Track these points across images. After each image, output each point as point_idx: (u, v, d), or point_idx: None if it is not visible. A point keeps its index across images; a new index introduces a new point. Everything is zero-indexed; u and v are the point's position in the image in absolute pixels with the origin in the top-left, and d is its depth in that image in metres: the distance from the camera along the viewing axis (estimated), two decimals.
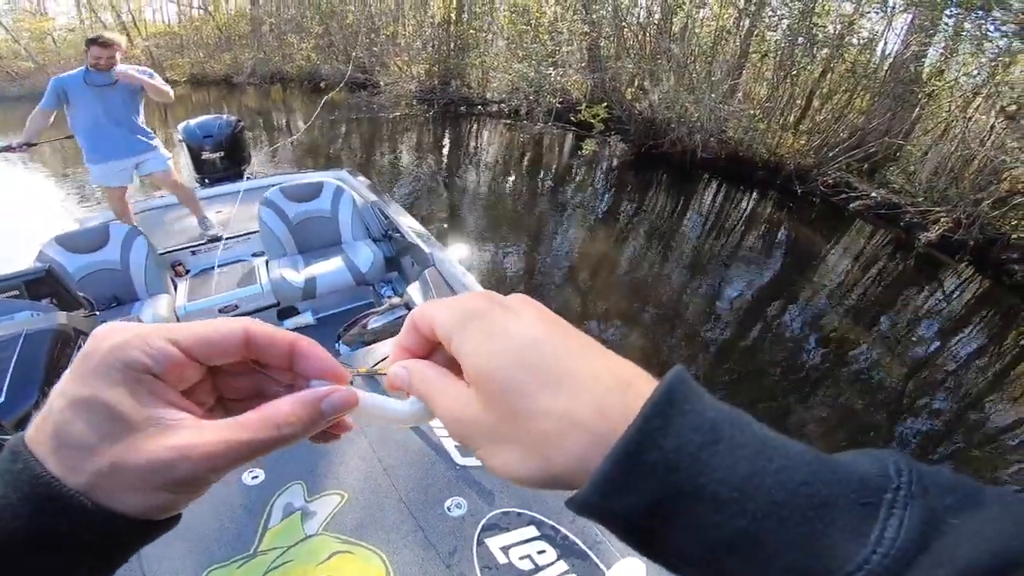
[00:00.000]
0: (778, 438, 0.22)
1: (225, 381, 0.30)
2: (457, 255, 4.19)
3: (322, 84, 10.64)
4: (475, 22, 9.89)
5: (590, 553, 1.46)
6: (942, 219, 6.79)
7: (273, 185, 3.04)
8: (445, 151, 8.37)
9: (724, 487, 0.20)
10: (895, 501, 0.19)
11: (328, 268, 2.83)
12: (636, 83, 8.47)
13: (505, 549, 1.45)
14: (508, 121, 8.95)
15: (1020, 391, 4.74)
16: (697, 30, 8.24)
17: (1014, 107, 6.57)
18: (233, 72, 12.70)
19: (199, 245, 3.14)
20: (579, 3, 8.29)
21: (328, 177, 3.30)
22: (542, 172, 7.94)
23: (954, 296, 6.50)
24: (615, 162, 8.29)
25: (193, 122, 3.68)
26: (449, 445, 1.68)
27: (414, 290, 2.64)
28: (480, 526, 1.48)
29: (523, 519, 1.52)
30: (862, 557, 0.18)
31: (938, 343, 5.36)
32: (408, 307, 2.62)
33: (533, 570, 1.40)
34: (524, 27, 8.45)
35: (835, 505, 0.19)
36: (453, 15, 9.97)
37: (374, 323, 2.56)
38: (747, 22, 7.90)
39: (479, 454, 0.26)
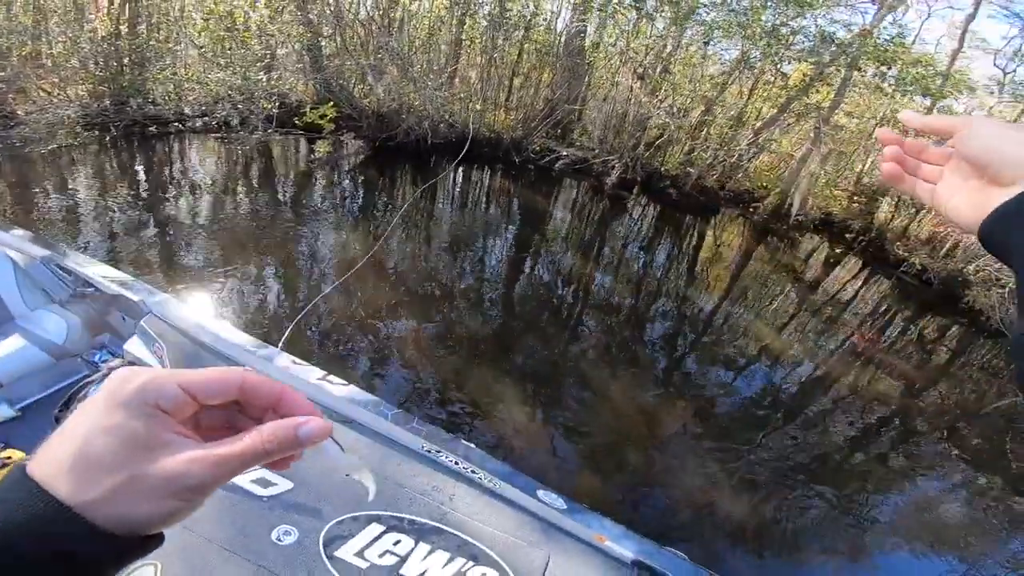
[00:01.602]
0: None
1: (203, 414, 0.35)
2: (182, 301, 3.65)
3: None
4: (155, 33, 8.26)
5: (440, 525, 1.60)
6: (616, 165, 8.82)
7: None
8: (140, 179, 6.91)
9: None
10: None
11: (5, 350, 2.18)
12: (362, 79, 8.42)
13: (360, 554, 1.50)
14: (219, 135, 7.88)
15: (709, 283, 6.75)
16: (415, 22, 8.59)
17: (641, 69, 8.87)
18: None
19: None
20: (292, 4, 7.71)
21: None
22: (277, 182, 7.32)
23: (641, 220, 8.64)
24: (354, 160, 8.18)
25: None
26: (243, 481, 1.59)
27: (134, 346, 2.24)
28: (321, 543, 1.49)
29: (361, 521, 1.57)
30: None
31: (643, 258, 7.12)
32: (134, 366, 2.23)
33: (398, 562, 1.48)
34: (224, 33, 7.45)
35: None
36: (123, 27, 8.12)
37: (94, 393, 2.11)
38: (457, 10, 8.58)
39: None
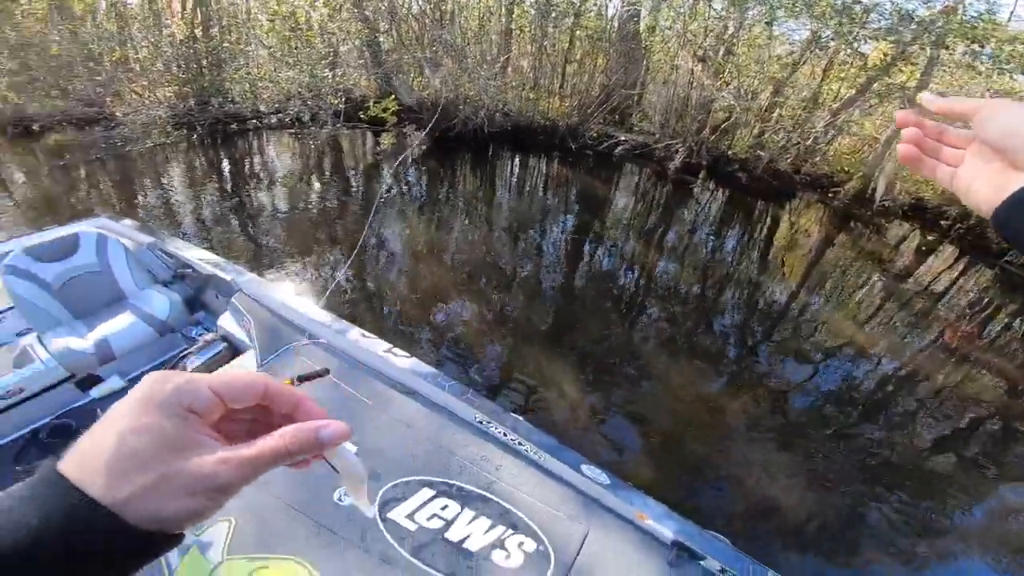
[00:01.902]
0: None
1: (224, 423, 0.37)
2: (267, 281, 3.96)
3: (35, 126, 8.59)
4: (227, 35, 8.91)
5: (485, 493, 1.64)
6: (679, 149, 8.47)
7: (9, 251, 2.48)
8: (226, 174, 7.50)
9: None
10: None
11: (119, 326, 2.46)
12: (420, 72, 8.65)
13: (410, 516, 1.55)
14: (292, 130, 8.37)
15: (783, 271, 6.37)
16: (465, 14, 8.71)
17: (701, 52, 8.45)
18: None
19: None
20: (349, 2, 8.06)
21: (83, 227, 2.81)
22: (346, 174, 7.68)
23: (708, 206, 8.26)
24: (416, 151, 8.42)
25: None
26: None
27: (227, 321, 2.48)
28: (376, 505, 1.56)
29: (414, 485, 1.63)
30: None
31: (711, 245, 6.81)
32: (226, 339, 2.46)
33: (444, 525, 1.53)
34: (289, 33, 7.92)
35: None
36: (198, 31, 8.82)
37: (193, 363, 2.35)
38: (505, 0, 8.61)
39: None
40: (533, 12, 8.66)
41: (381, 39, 8.74)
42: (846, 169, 9.15)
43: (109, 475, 0.29)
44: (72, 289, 2.51)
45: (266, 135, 8.91)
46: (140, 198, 6.55)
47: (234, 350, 2.45)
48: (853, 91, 8.81)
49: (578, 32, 9.06)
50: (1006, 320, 6.27)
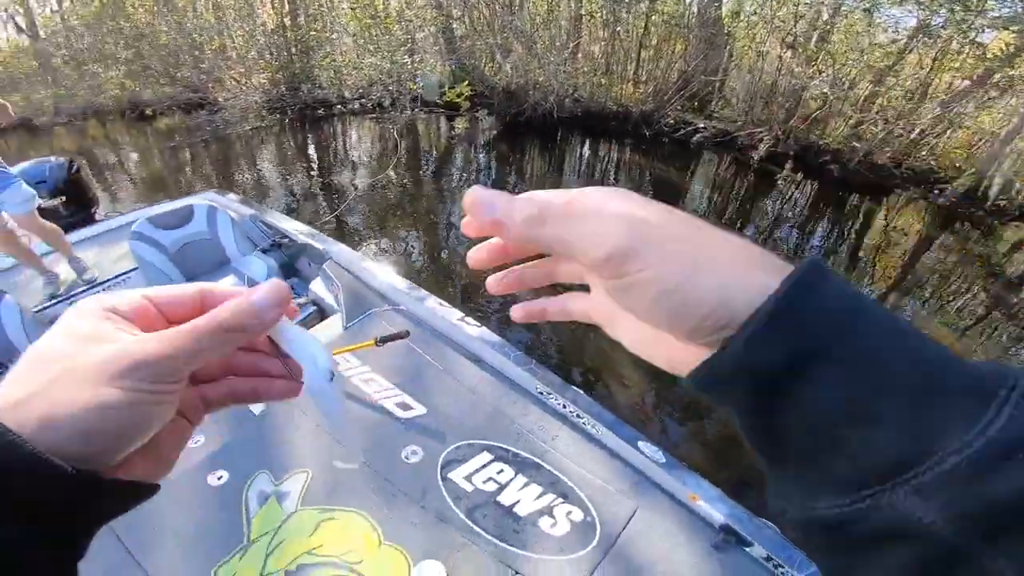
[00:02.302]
0: (906, 321, 0.22)
1: (208, 397, 0.33)
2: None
3: (148, 111, 9.62)
4: (313, 24, 9.46)
5: (540, 461, 1.71)
6: (764, 137, 7.99)
7: (136, 220, 2.85)
8: (312, 156, 8.04)
9: (865, 352, 0.21)
10: (1008, 398, 0.19)
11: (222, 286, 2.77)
12: (492, 58, 8.76)
13: (468, 478, 1.65)
14: (374, 115, 8.78)
15: (876, 270, 5.95)
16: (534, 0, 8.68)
17: (791, 38, 7.87)
18: (30, 115, 10.85)
19: (78, 293, 2.86)
20: None
21: (195, 200, 3.16)
22: (421, 157, 7.97)
23: (794, 198, 7.77)
24: (487, 136, 8.56)
25: (14, 170, 3.26)
26: (390, 404, 1.83)
27: (317, 286, 2.72)
28: (439, 465, 1.66)
29: (475, 448, 1.73)
30: (969, 438, 0.19)
31: (795, 238, 6.45)
32: (315, 303, 2.69)
33: (498, 489, 1.61)
34: (369, 21, 8.29)
35: (953, 389, 0.20)
36: (287, 20, 9.43)
37: None
38: None
39: (643, 275, 0.24)
40: None
41: (454, 25, 8.90)
42: (956, 164, 8.23)
43: (11, 385, 0.24)
44: (186, 253, 2.85)
45: (349, 119, 9.41)
46: (238, 177, 7.18)
47: (322, 313, 2.67)
48: (967, 82, 7.88)
49: (654, 17, 8.73)
50: None
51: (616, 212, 0.25)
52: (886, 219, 7.54)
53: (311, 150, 8.27)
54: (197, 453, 1.62)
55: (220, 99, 9.02)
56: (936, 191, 7.91)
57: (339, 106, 9.45)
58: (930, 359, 0.21)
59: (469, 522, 1.50)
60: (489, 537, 1.46)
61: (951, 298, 5.62)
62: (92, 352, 0.25)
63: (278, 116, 9.01)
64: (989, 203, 7.34)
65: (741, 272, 0.24)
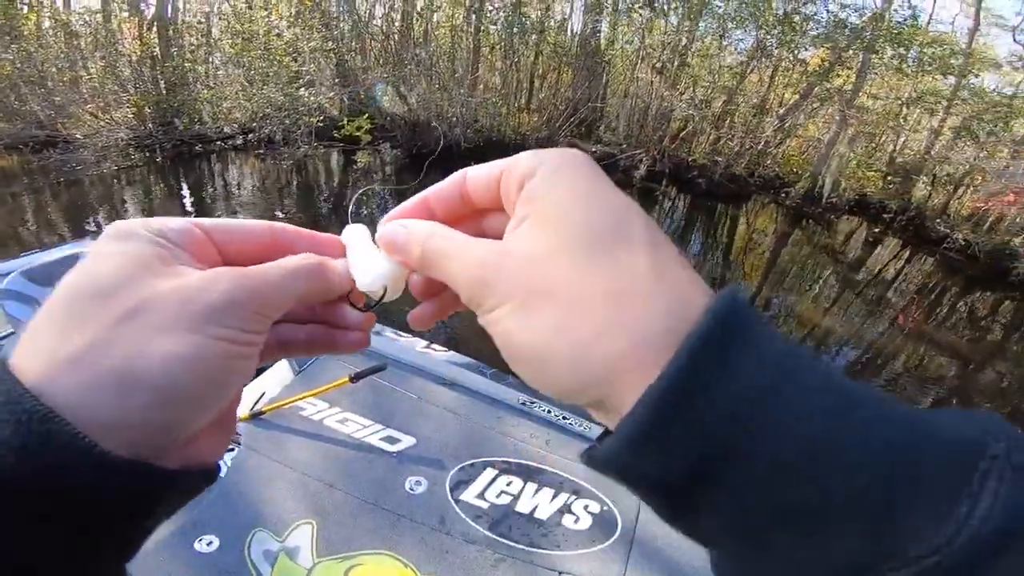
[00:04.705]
0: (852, 382, 0.17)
1: (288, 340, 0.28)
2: None
3: None
4: (191, 53, 8.73)
5: (542, 466, 1.77)
6: (643, 158, 8.90)
7: (8, 274, 2.40)
8: (187, 199, 7.30)
9: (791, 445, 0.16)
10: (988, 473, 0.15)
11: None
12: (394, 90, 8.75)
13: (480, 495, 1.65)
14: (261, 152, 8.25)
15: (746, 268, 6.78)
16: (436, 32, 8.89)
17: (659, 64, 8.98)
18: None
19: None
20: (318, 22, 8.08)
21: (82, 247, 2.74)
22: (317, 195, 7.63)
23: (673, 211, 8.70)
24: (392, 168, 8.46)
25: None
26: (375, 440, 1.78)
27: None
28: (448, 489, 1.64)
29: (477, 467, 1.73)
30: (942, 538, 0.14)
31: (677, 248, 7.20)
32: None
33: (513, 500, 1.64)
34: (255, 53, 7.86)
35: (919, 476, 0.15)
36: (157, 51, 8.59)
37: None
38: (475, 19, 8.86)
39: (494, 315, 0.20)
40: (498, 29, 8.95)
41: (348, 58, 8.80)
42: (795, 170, 9.85)
43: (43, 337, 0.18)
44: None
45: (232, 157, 8.74)
46: (95, 225, 6.27)
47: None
48: (797, 96, 9.56)
49: (543, 48, 9.42)
50: (951, 301, 6.90)
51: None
52: (747, 222, 8.78)
53: (185, 191, 7.53)
54: (170, 522, 1.41)
55: (79, 136, 7.90)
56: (783, 194, 9.38)
57: (219, 142, 8.74)
58: (882, 430, 0.16)
59: (497, 537, 1.49)
60: (521, 547, 1.47)
61: (809, 285, 6.66)
62: (161, 287, 0.19)
63: (147, 154, 8.10)
64: (824, 200, 8.87)
65: (612, 330, 0.18)
